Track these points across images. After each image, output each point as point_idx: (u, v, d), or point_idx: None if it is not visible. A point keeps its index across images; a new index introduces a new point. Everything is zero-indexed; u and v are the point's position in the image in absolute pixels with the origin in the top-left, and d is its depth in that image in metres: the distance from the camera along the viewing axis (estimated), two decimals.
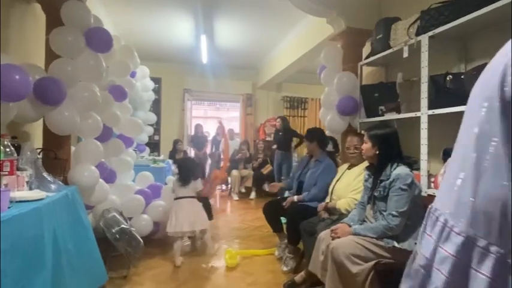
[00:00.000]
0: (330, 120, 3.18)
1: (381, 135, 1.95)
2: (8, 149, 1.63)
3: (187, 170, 3.02)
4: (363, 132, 2.90)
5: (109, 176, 3.04)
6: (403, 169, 1.85)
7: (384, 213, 1.83)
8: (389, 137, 1.95)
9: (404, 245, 1.77)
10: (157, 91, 6.71)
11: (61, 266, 1.63)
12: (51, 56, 2.32)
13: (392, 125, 2.02)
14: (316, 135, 3.01)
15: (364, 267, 1.73)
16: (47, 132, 2.38)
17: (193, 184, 3.02)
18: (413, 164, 2.25)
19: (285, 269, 2.72)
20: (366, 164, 2.35)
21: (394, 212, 1.77)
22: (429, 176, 2.15)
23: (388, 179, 1.85)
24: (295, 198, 2.87)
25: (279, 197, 3.44)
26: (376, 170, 1.98)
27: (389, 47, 2.51)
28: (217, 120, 7.37)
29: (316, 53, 4.29)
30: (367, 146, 2.00)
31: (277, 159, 5.76)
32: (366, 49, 3.10)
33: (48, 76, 2.22)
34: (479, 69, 1.82)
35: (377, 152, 1.95)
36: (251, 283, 2.53)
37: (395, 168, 1.86)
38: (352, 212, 2.14)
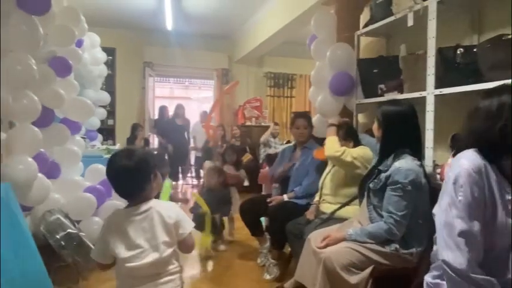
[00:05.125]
0: (321, 101, 3.20)
1: (387, 113, 1.93)
2: None
3: None
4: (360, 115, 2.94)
5: (51, 170, 2.98)
6: (408, 162, 1.80)
7: (384, 214, 1.83)
8: (397, 117, 1.90)
9: (406, 253, 1.81)
10: (110, 65, 6.60)
11: None
12: None
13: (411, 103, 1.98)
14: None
15: (363, 275, 1.77)
16: None
17: None
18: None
19: (268, 277, 2.77)
20: (366, 152, 2.37)
21: (397, 218, 1.77)
22: (435, 166, 2.20)
23: (386, 171, 1.86)
24: (286, 197, 2.89)
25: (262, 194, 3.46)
26: (379, 156, 1.99)
27: (392, 14, 2.53)
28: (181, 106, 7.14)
29: (305, 20, 4.27)
30: (374, 124, 2.01)
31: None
32: (365, 16, 3.11)
33: None
34: (494, 41, 1.87)
35: (381, 135, 1.96)
36: None
37: (397, 159, 1.84)
38: None
